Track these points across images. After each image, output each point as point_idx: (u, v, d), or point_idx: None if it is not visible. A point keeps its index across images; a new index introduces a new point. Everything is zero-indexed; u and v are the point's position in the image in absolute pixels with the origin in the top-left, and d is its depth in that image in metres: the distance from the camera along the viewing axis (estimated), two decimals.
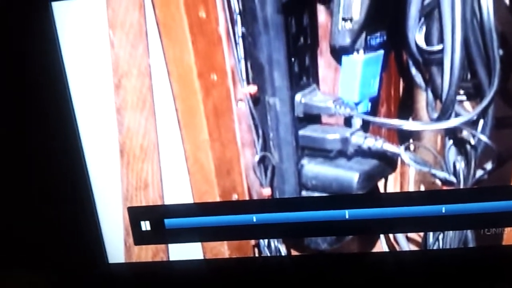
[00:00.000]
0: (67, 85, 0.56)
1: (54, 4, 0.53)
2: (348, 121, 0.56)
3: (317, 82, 0.55)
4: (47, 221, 0.64)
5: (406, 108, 0.54)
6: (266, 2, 0.51)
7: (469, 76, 0.51)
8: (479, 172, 0.55)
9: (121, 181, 0.60)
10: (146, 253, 0.64)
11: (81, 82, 0.56)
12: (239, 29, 0.52)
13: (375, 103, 0.54)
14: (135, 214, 0.61)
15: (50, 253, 0.65)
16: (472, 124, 0.53)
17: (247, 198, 0.60)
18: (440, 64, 0.51)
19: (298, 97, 0.55)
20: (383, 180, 0.58)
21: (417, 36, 0.51)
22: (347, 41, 0.52)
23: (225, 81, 0.54)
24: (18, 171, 0.62)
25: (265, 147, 0.57)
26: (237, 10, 0.52)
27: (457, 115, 0.53)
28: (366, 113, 0.55)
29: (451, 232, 0.58)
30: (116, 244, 0.63)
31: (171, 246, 0.63)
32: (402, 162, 0.56)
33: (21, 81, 0.58)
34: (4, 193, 0.64)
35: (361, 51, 0.52)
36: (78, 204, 0.61)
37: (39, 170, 0.62)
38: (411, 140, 0.55)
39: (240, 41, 0.53)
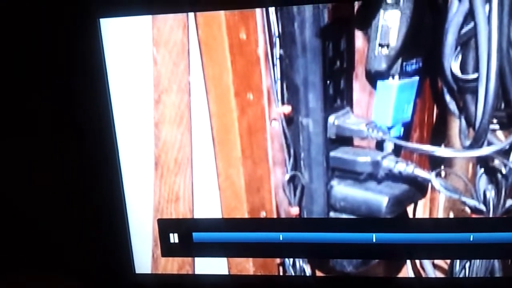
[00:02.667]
0: (109, 98, 0.58)
1: (102, 20, 0.55)
2: (380, 145, 0.56)
3: (351, 105, 0.55)
4: (78, 228, 0.65)
5: (439, 135, 0.54)
6: (305, 26, 0.52)
7: (503, 105, 0.51)
8: (509, 202, 0.55)
9: (154, 193, 0.61)
10: (172, 265, 0.64)
11: (123, 96, 0.58)
12: (277, 51, 0.53)
13: (408, 128, 0.55)
14: (165, 226, 0.62)
15: (79, 259, 0.67)
16: (504, 153, 0.53)
17: (275, 216, 0.60)
18: (475, 92, 0.51)
19: (331, 119, 0.55)
20: (412, 205, 0.58)
21: (452, 64, 0.51)
22: (383, 66, 0.52)
23: (261, 101, 0.55)
24: (53, 178, 0.64)
25: (295, 166, 0.57)
26: (277, 33, 0.53)
27: (489, 143, 0.53)
28: (399, 137, 0.55)
29: (478, 260, 0.58)
30: (144, 254, 0.64)
31: (197, 260, 0.64)
32: (433, 188, 0.56)
33: (65, 92, 0.59)
34: (38, 200, 0.65)
35: (396, 76, 0.52)
36: (110, 213, 0.62)
37: (73, 178, 0.63)
38: (442, 167, 0.55)
39: (277, 62, 0.54)
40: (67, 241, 0.66)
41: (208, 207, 0.61)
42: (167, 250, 0.63)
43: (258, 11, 0.52)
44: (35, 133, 0.62)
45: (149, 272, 0.65)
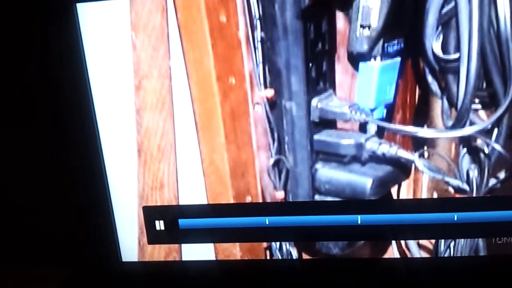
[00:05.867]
0: (88, 85, 0.57)
1: (78, 5, 0.54)
2: (363, 127, 0.56)
3: (334, 88, 0.55)
4: (62, 217, 0.65)
5: (421, 115, 0.54)
6: (285, 8, 0.51)
7: (484, 85, 0.51)
8: (492, 181, 0.55)
9: (138, 180, 0.60)
10: (159, 253, 0.64)
11: (102, 82, 0.57)
12: (259, 34, 0.53)
13: (390, 109, 0.55)
14: (150, 213, 0.62)
15: (64, 248, 0.66)
16: (487, 133, 0.53)
17: (260, 200, 0.60)
18: (456, 72, 0.51)
19: (314, 102, 0.55)
20: (396, 186, 0.58)
21: (434, 44, 0.51)
22: (364, 47, 0.52)
23: (243, 85, 0.55)
24: (35, 168, 0.63)
25: (280, 150, 0.57)
26: (257, 16, 0.52)
27: (471, 123, 0.53)
28: (382, 119, 0.55)
29: (462, 240, 0.58)
30: (130, 242, 0.64)
31: (184, 246, 0.64)
32: (416, 169, 0.56)
33: (43, 80, 0.59)
34: (22, 190, 0.65)
35: (378, 58, 0.52)
36: (95, 201, 0.62)
37: (56, 167, 0.63)
38: (425, 147, 0.55)
39: (259, 45, 0.53)
40: (53, 230, 0.66)
41: (193, 193, 0.60)
42: (153, 237, 0.63)
43: None
44: (13, 122, 0.62)
45: (136, 260, 0.65)
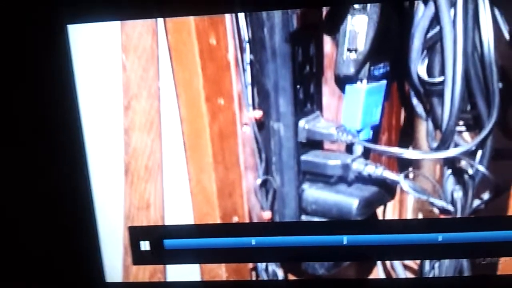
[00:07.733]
0: (77, 105, 0.57)
1: (70, 26, 0.54)
2: (349, 148, 0.56)
3: (321, 109, 0.56)
4: (47, 237, 0.64)
5: (407, 137, 0.55)
6: (274, 32, 0.52)
7: (469, 107, 0.52)
8: (476, 202, 0.56)
9: (124, 200, 0.60)
10: (144, 273, 0.63)
11: (91, 102, 0.57)
12: (248, 57, 0.53)
13: (376, 131, 0.55)
14: (135, 233, 0.61)
15: (48, 268, 0.65)
16: (471, 154, 0.54)
17: (247, 221, 0.60)
18: (441, 95, 0.52)
19: (301, 123, 0.56)
20: (382, 207, 0.59)
21: (419, 68, 0.52)
22: (351, 70, 0.53)
23: (232, 106, 0.55)
24: (21, 186, 0.62)
25: (267, 171, 0.58)
26: (246, 38, 0.53)
27: (456, 145, 0.54)
28: (368, 140, 0.56)
29: (447, 260, 0.59)
30: (115, 263, 0.63)
31: (169, 267, 0.63)
32: (401, 190, 0.56)
33: (32, 99, 0.58)
34: (5, 208, 0.64)
35: (365, 80, 0.53)
36: (80, 221, 0.61)
37: (42, 186, 0.62)
38: (410, 169, 0.56)
39: (248, 67, 0.54)
40: (37, 250, 0.65)
41: (179, 213, 0.60)
42: (138, 258, 0.62)
43: (227, 16, 0.52)
44: (1, 141, 0.61)
45: (120, 280, 0.64)
